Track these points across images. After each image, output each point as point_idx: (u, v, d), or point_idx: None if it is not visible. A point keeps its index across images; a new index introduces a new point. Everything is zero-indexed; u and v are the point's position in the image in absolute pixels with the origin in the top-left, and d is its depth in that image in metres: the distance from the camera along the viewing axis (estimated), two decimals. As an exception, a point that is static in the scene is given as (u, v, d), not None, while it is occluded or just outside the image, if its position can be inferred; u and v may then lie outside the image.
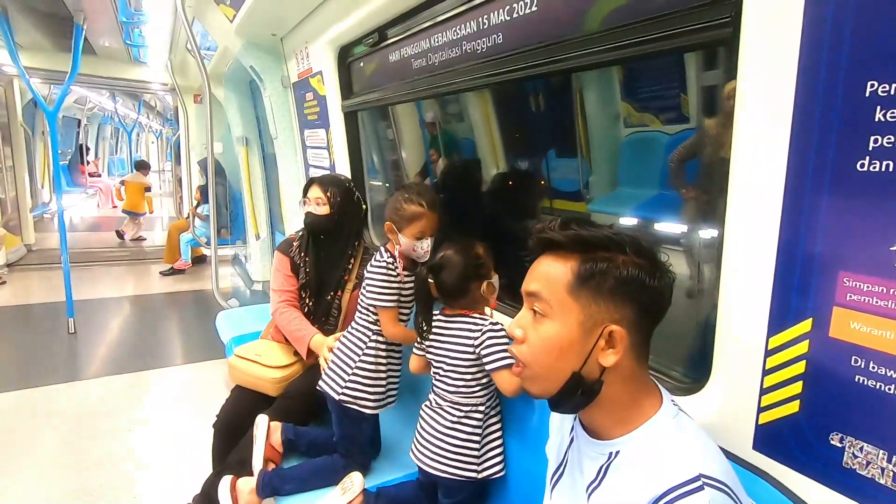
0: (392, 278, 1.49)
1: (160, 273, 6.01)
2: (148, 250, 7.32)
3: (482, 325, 1.31)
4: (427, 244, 1.47)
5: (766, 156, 0.74)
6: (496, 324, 1.31)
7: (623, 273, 0.70)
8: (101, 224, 10.02)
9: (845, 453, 0.72)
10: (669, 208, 1.55)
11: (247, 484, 1.50)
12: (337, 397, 1.53)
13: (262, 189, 4.68)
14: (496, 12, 1.35)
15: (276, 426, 1.61)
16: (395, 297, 1.50)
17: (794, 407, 0.77)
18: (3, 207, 5.92)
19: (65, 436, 2.60)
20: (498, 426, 1.37)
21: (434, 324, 1.38)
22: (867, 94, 0.63)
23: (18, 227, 6.44)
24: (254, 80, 3.22)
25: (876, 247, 0.65)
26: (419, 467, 1.36)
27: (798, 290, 0.74)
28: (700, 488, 0.61)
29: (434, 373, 1.39)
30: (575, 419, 0.84)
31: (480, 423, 1.33)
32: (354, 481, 1.38)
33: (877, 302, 0.66)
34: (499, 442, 1.35)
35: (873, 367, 0.67)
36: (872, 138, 0.63)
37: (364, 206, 1.97)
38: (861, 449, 0.70)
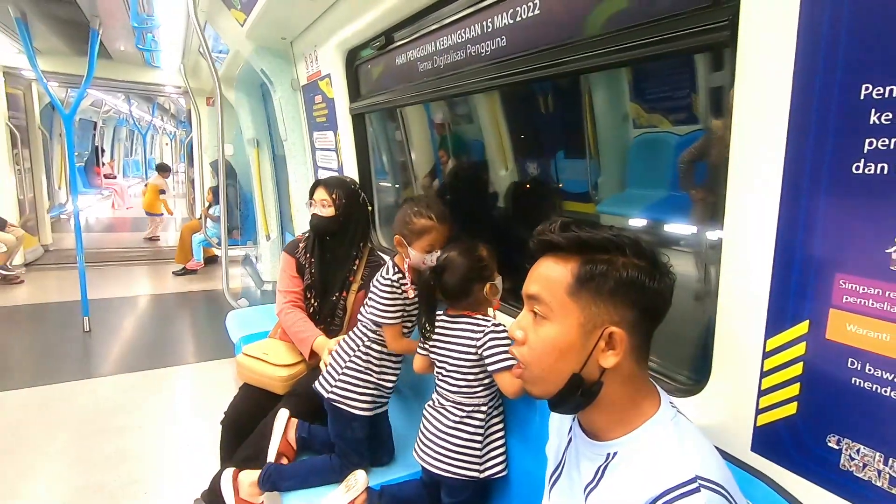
0: (397, 295, 1.49)
1: (173, 273, 6.10)
2: (161, 251, 7.42)
3: (485, 326, 1.32)
4: (437, 257, 1.45)
5: (764, 158, 0.75)
6: (498, 325, 1.32)
7: (623, 275, 0.70)
8: (116, 225, 10.20)
9: (842, 455, 0.72)
10: (679, 209, 1.54)
11: (248, 476, 1.53)
12: (326, 395, 1.55)
13: (272, 190, 4.74)
14: (500, 16, 1.37)
15: (294, 422, 1.64)
16: (399, 314, 1.50)
17: (791, 409, 0.77)
18: (22, 208, 6.04)
19: (78, 432, 2.66)
20: (500, 426, 1.37)
21: (437, 324, 1.39)
22: (862, 97, 0.63)
23: (36, 228, 6.58)
24: (265, 82, 3.27)
25: (871, 249, 0.65)
26: (422, 466, 1.37)
27: (795, 292, 0.74)
28: (696, 490, 0.61)
29: (437, 372, 1.40)
30: (574, 420, 0.84)
31: (483, 423, 1.34)
32: (358, 479, 1.40)
33: (872, 304, 0.66)
34: (501, 442, 1.36)
35: (869, 370, 0.67)
36: (867, 141, 0.63)
37: (370, 208, 1.99)
38: (858, 451, 0.70)
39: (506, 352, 1.26)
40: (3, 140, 5.58)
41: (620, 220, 1.81)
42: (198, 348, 3.95)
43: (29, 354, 3.69)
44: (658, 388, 0.77)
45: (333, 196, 1.84)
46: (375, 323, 1.52)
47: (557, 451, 0.89)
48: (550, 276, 0.74)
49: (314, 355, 1.82)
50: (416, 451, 1.39)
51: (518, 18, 1.30)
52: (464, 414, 1.33)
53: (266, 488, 1.50)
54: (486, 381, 1.34)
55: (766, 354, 0.79)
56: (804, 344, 0.74)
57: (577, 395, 0.72)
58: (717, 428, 0.88)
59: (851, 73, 0.64)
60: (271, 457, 1.56)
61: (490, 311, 1.39)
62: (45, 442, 2.55)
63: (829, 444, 0.73)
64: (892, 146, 0.61)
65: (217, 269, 6.06)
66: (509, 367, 1.24)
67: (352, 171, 2.57)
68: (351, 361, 1.56)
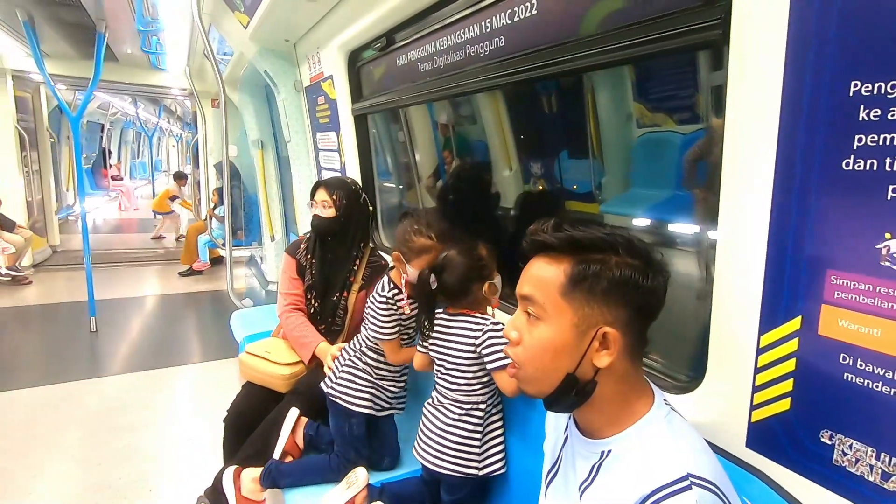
0: (393, 311, 1.52)
1: (179, 274, 6.15)
2: (168, 251, 7.48)
3: (484, 324, 1.32)
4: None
5: (756, 156, 0.75)
6: (497, 323, 1.32)
7: (616, 274, 0.70)
8: (123, 226, 10.29)
9: (835, 451, 0.72)
10: (682, 209, 1.55)
11: (250, 474, 1.55)
12: (326, 390, 1.60)
13: (276, 191, 4.77)
14: (498, 16, 1.37)
15: (303, 421, 1.67)
16: (395, 330, 1.54)
17: (785, 405, 0.77)
18: (30, 210, 6.11)
19: (86, 431, 2.69)
20: (499, 424, 1.38)
21: (437, 322, 1.40)
22: (851, 94, 0.63)
23: (44, 229, 6.65)
24: (268, 84, 3.29)
25: (862, 245, 0.65)
26: (422, 464, 1.38)
27: (788, 288, 0.74)
28: (688, 487, 0.61)
29: (436, 370, 1.41)
30: (569, 418, 0.85)
31: (481, 421, 1.34)
32: (359, 476, 1.41)
33: (863, 300, 0.66)
34: (500, 440, 1.37)
35: (861, 365, 0.68)
36: (857, 137, 0.64)
37: (371, 208, 2.00)
38: (850, 446, 0.70)
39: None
40: (11, 142, 5.65)
41: (625, 220, 1.81)
42: (203, 348, 3.98)
43: (37, 354, 3.74)
44: (652, 385, 0.77)
45: (334, 197, 1.85)
46: (373, 339, 1.57)
47: (554, 448, 0.89)
48: (543, 276, 0.74)
49: (314, 359, 1.84)
50: (415, 449, 1.40)
51: (516, 19, 1.30)
52: (462, 412, 1.34)
53: (267, 485, 1.52)
54: (485, 379, 1.34)
55: (760, 351, 0.79)
56: (797, 340, 0.74)
57: (571, 394, 0.72)
58: (713, 424, 0.88)
59: (840, 70, 0.64)
60: (277, 454, 1.58)
61: (489, 309, 1.39)
62: (54, 440, 2.59)
63: (823, 440, 0.73)
64: (880, 142, 0.62)
65: (222, 269, 6.10)
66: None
67: (354, 172, 2.59)
68: (350, 360, 1.61)
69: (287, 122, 3.23)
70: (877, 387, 0.66)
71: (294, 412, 1.65)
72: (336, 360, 1.66)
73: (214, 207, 6.07)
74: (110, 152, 14.67)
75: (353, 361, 1.61)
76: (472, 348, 1.32)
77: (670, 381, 1.08)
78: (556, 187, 2.17)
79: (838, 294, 0.69)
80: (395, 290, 1.51)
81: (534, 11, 1.24)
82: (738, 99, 0.77)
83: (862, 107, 0.63)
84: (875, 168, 0.63)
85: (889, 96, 0.60)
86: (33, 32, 3.75)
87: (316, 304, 1.92)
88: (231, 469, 1.57)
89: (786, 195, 0.72)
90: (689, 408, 0.91)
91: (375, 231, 2.68)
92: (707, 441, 0.73)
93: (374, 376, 1.59)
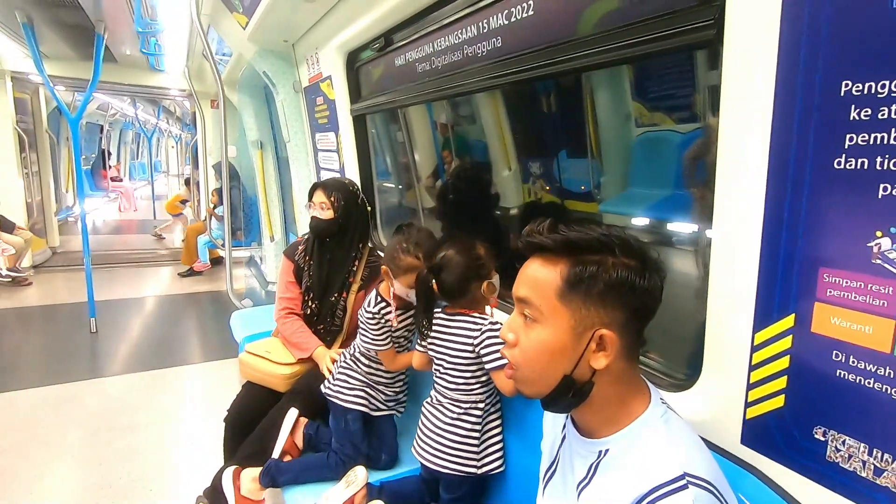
0: (382, 325, 1.55)
1: (178, 274, 6.15)
2: (168, 252, 7.49)
3: (482, 324, 1.33)
4: None
5: (749, 155, 0.76)
6: (495, 323, 1.33)
7: (613, 276, 0.70)
8: (123, 227, 10.29)
9: (828, 447, 0.73)
10: (681, 208, 1.55)
11: (250, 473, 1.56)
12: (324, 390, 1.65)
13: (276, 192, 4.77)
14: (495, 16, 1.38)
15: (303, 422, 1.68)
16: (388, 340, 1.57)
17: (779, 402, 0.78)
18: (30, 211, 6.11)
19: (86, 431, 2.69)
20: (497, 423, 1.39)
21: (435, 322, 1.41)
22: (842, 94, 0.64)
23: (44, 230, 6.66)
24: (268, 85, 3.30)
25: (853, 243, 0.66)
26: (421, 463, 1.39)
27: (781, 286, 0.75)
28: (684, 487, 0.62)
29: (435, 370, 1.42)
30: (567, 417, 0.85)
31: (480, 420, 1.35)
32: (358, 475, 1.42)
33: (855, 297, 0.67)
34: (498, 438, 1.37)
35: (853, 362, 0.68)
36: (848, 136, 0.64)
37: (369, 209, 2.01)
38: (843, 442, 0.71)
39: None
40: (11, 144, 5.65)
41: (623, 219, 1.82)
42: (203, 348, 3.99)
43: (37, 355, 3.74)
44: (649, 384, 0.77)
45: (332, 199, 1.86)
46: (368, 350, 1.61)
47: (552, 448, 0.90)
48: (539, 278, 0.73)
49: (310, 360, 1.86)
50: (414, 448, 1.41)
51: (513, 19, 1.31)
52: (461, 411, 1.35)
53: (266, 483, 1.53)
54: (483, 378, 1.35)
55: (755, 348, 0.80)
56: (791, 337, 0.75)
57: (568, 395, 0.73)
58: (708, 421, 0.89)
59: (832, 69, 0.65)
60: (276, 454, 1.59)
61: (487, 309, 1.40)
62: (54, 440, 2.59)
63: (816, 436, 0.74)
64: (871, 141, 0.62)
65: (222, 270, 6.11)
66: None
67: (353, 172, 2.59)
68: (346, 363, 1.67)
69: (286, 123, 3.23)
70: (869, 383, 0.67)
71: (293, 412, 1.66)
72: (335, 363, 1.70)
73: (214, 208, 6.07)
74: (109, 153, 14.65)
75: (348, 364, 1.66)
76: (470, 348, 1.33)
77: (667, 379, 1.09)
78: (556, 187, 2.17)
79: (831, 292, 0.69)
80: (383, 304, 1.54)
81: (530, 12, 1.24)
82: (731, 98, 0.78)
83: (853, 106, 0.63)
84: (866, 167, 0.63)
85: (879, 96, 0.61)
86: (32, 34, 3.76)
87: (313, 306, 1.93)
88: (230, 469, 1.58)
89: (779, 194, 0.73)
90: (685, 405, 0.91)
91: (375, 231, 2.68)
92: (703, 438, 0.73)
93: (368, 379, 1.63)
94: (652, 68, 1.69)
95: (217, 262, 6.34)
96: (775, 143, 0.72)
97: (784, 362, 0.76)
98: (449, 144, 2.73)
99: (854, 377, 0.68)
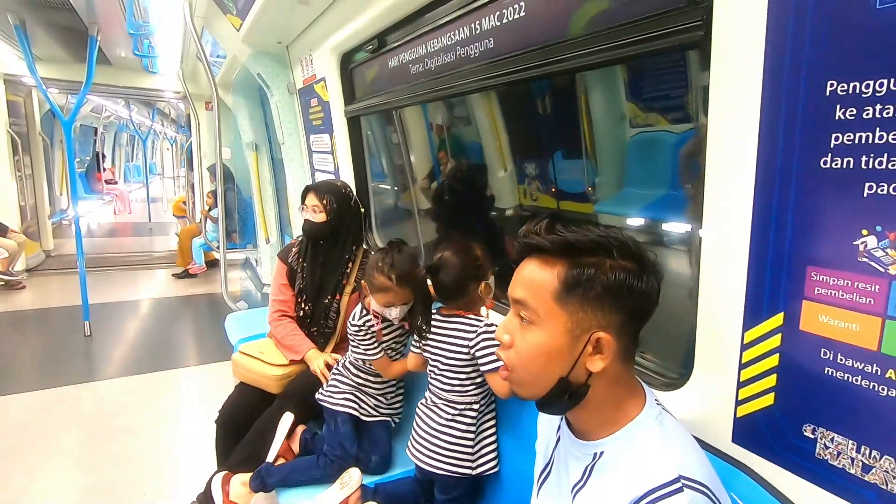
0: (370, 336, 1.57)
1: (172, 275, 6.13)
2: (163, 255, 7.45)
3: (477, 326, 1.33)
4: (396, 311, 1.50)
5: (738, 154, 0.76)
6: (491, 325, 1.33)
7: (611, 279, 0.69)
8: (118, 230, 10.24)
9: (817, 444, 0.73)
10: (676, 208, 1.56)
11: (240, 478, 1.55)
12: (318, 396, 1.69)
13: (271, 194, 4.76)
14: (487, 18, 1.38)
15: (300, 428, 1.70)
16: (378, 349, 1.58)
17: (769, 399, 0.78)
18: (23, 214, 6.08)
19: (80, 435, 2.68)
20: (492, 423, 1.39)
21: (431, 323, 1.41)
22: (828, 94, 0.65)
23: (38, 234, 6.62)
24: (262, 86, 3.29)
25: (840, 241, 0.66)
26: (416, 464, 1.39)
27: (770, 285, 0.75)
28: (679, 490, 0.61)
29: (430, 371, 1.42)
30: (561, 419, 0.84)
31: (475, 421, 1.35)
32: (353, 476, 1.41)
33: (842, 295, 0.67)
34: (493, 439, 1.38)
35: (841, 359, 0.69)
36: (834, 136, 0.65)
37: (362, 211, 2.01)
38: (832, 440, 0.71)
39: None
40: (4, 147, 5.62)
41: (619, 220, 1.82)
42: (198, 351, 3.97)
43: (32, 358, 3.73)
44: (644, 386, 0.77)
45: (324, 202, 1.86)
46: (358, 360, 1.64)
47: (546, 449, 0.89)
48: (536, 280, 0.72)
49: (302, 361, 1.86)
50: (409, 449, 1.41)
51: (505, 20, 1.31)
52: (456, 412, 1.35)
53: (255, 487, 1.51)
54: (479, 379, 1.35)
55: (745, 347, 0.80)
56: (780, 335, 0.75)
57: (564, 398, 0.72)
58: (700, 420, 0.89)
59: (817, 70, 0.65)
60: (270, 458, 1.58)
61: (483, 310, 1.40)
62: (49, 444, 2.58)
63: (805, 434, 0.74)
64: (856, 141, 0.63)
65: (218, 272, 6.09)
66: None
67: (347, 174, 2.59)
68: (338, 370, 1.70)
69: (280, 125, 3.23)
70: (856, 381, 0.67)
71: (289, 416, 1.65)
72: (330, 370, 1.73)
73: (209, 210, 6.06)
74: (104, 156, 14.59)
75: (339, 371, 1.70)
76: (465, 350, 1.33)
77: (660, 379, 1.09)
78: (551, 187, 2.18)
79: (818, 290, 0.70)
80: (367, 317, 1.56)
81: (522, 13, 1.25)
82: (720, 99, 0.79)
83: (838, 106, 0.64)
84: (851, 166, 0.64)
85: (864, 95, 0.61)
86: (25, 36, 3.74)
87: (306, 308, 1.93)
88: (220, 475, 1.58)
89: (767, 193, 0.73)
90: (677, 404, 0.92)
91: (369, 232, 2.68)
92: (695, 437, 0.73)
93: (357, 386, 1.66)
94: (646, 69, 1.69)
95: (213, 264, 6.32)
96: (763, 142, 0.73)
97: (773, 360, 0.77)
98: (445, 146, 2.73)
99: (842, 374, 0.69)
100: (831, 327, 0.69)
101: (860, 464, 0.69)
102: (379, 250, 1.55)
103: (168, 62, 5.49)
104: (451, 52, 1.59)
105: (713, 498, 0.63)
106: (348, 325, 1.61)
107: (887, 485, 0.66)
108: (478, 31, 1.44)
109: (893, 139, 0.60)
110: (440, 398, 1.38)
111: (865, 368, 0.66)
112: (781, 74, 0.69)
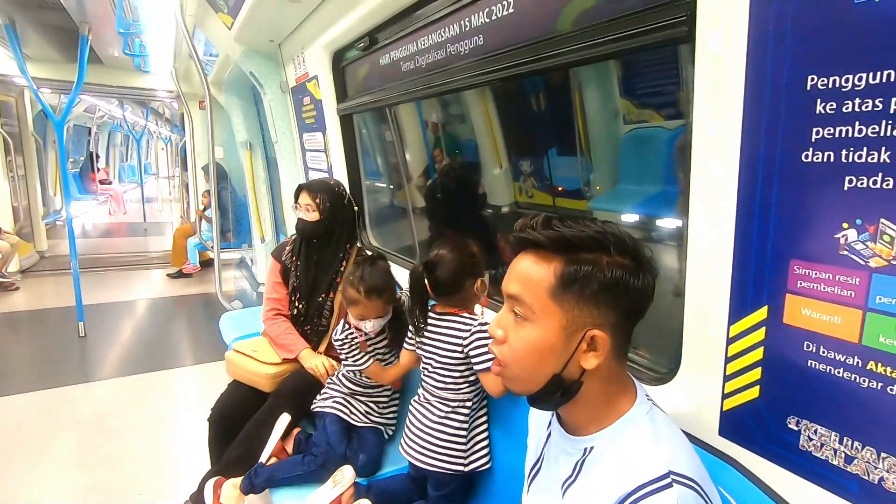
0: (355, 346, 1.59)
1: (167, 275, 6.11)
2: (158, 256, 7.43)
3: (471, 325, 1.33)
4: (370, 325, 1.53)
5: (722, 148, 0.77)
6: (485, 324, 1.33)
7: (607, 276, 0.68)
8: (113, 230, 10.20)
9: (801, 436, 0.74)
10: (670, 204, 1.56)
11: (232, 482, 1.55)
12: (312, 407, 1.72)
13: (266, 192, 4.75)
14: (477, 14, 1.38)
15: (296, 430, 1.69)
16: (367, 357, 1.59)
17: (754, 393, 0.79)
18: (16, 215, 6.05)
19: (75, 435, 2.67)
20: (484, 420, 1.40)
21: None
22: (808, 88, 0.65)
23: (31, 235, 6.58)
24: (255, 85, 3.28)
25: (821, 235, 0.67)
26: (409, 461, 1.39)
27: (754, 278, 0.76)
28: (669, 486, 0.61)
29: (423, 368, 1.42)
30: (552, 415, 0.84)
31: (467, 418, 1.36)
32: (345, 474, 1.41)
33: (824, 288, 0.68)
34: (485, 436, 1.38)
35: (823, 352, 0.69)
36: (814, 130, 0.65)
37: (356, 209, 2.01)
38: (815, 431, 0.72)
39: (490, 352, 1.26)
40: (-4, 147, 5.59)
41: (613, 216, 1.83)
42: (193, 351, 3.96)
43: (26, 360, 3.71)
44: (635, 381, 0.77)
45: (317, 200, 1.85)
46: (350, 372, 1.66)
47: (537, 444, 0.89)
48: (532, 276, 0.71)
49: (295, 360, 1.87)
50: (402, 447, 1.41)
51: (493, 17, 1.31)
52: (449, 409, 1.35)
53: (245, 489, 1.51)
54: (472, 378, 1.36)
55: (730, 340, 0.81)
56: (764, 329, 0.76)
57: (557, 395, 0.72)
58: (688, 413, 0.90)
59: (798, 64, 0.66)
60: (264, 458, 1.57)
61: (477, 308, 1.40)
62: (44, 445, 2.57)
63: (790, 426, 0.75)
64: (836, 135, 0.63)
65: (213, 272, 6.08)
66: None
67: (340, 172, 2.59)
68: (331, 380, 1.75)
69: (273, 124, 3.22)
70: (838, 373, 0.68)
71: (286, 418, 1.65)
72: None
73: (204, 209, 6.04)
74: (98, 156, 14.51)
75: (332, 381, 1.73)
76: (459, 348, 1.33)
77: (648, 373, 1.10)
78: (546, 184, 2.19)
79: (801, 283, 0.70)
80: (350, 331, 1.57)
81: (510, 10, 1.25)
82: (704, 94, 0.79)
83: (819, 100, 0.64)
84: (832, 160, 0.64)
85: (843, 90, 0.62)
86: (15, 35, 3.71)
87: (300, 306, 1.93)
88: (213, 480, 1.58)
89: (750, 187, 0.74)
90: (665, 398, 0.92)
91: (363, 231, 2.68)
92: (682, 430, 0.74)
93: (349, 394, 1.68)
94: (639, 65, 1.70)
95: (207, 264, 6.31)
96: (747, 137, 0.73)
97: (758, 354, 0.77)
98: (440, 143, 2.73)
99: (824, 367, 0.70)
100: (814, 320, 0.70)
101: (843, 455, 0.69)
102: (354, 263, 1.59)
103: (160, 61, 5.46)
104: (441, 50, 1.59)
105: (702, 493, 0.63)
106: (333, 339, 1.64)
107: (868, 475, 0.67)
108: (467, 28, 1.44)
109: (872, 133, 0.60)
110: (433, 395, 1.38)
111: (847, 361, 0.67)
112: (764, 69, 0.69)
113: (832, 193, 0.65)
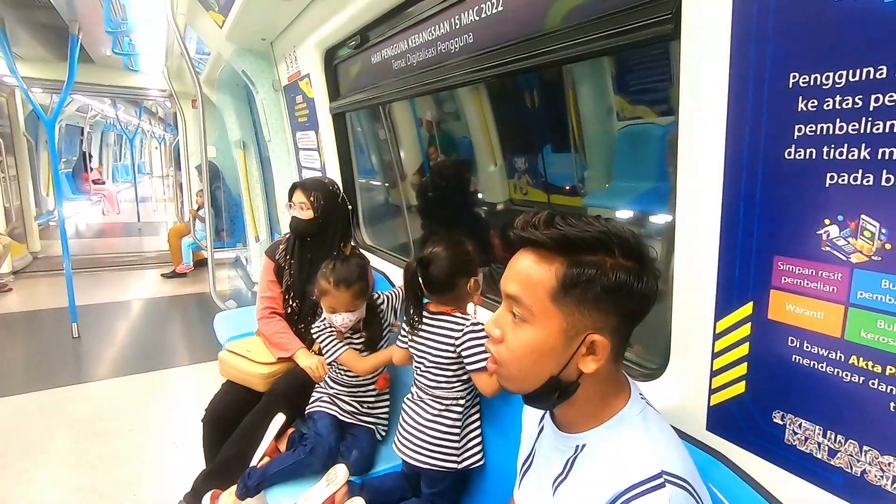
0: (329, 332, 1.61)
1: (161, 275, 6.09)
2: (151, 256, 7.40)
3: (464, 324, 1.33)
4: (341, 318, 1.54)
5: (707, 145, 0.77)
6: (477, 324, 1.33)
7: (611, 280, 0.65)
8: (107, 230, 10.14)
9: (786, 430, 0.75)
10: (664, 200, 1.57)
11: (228, 492, 1.55)
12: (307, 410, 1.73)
13: (260, 191, 4.73)
14: (467, 12, 1.39)
15: (290, 430, 1.70)
16: (342, 344, 1.61)
17: (740, 388, 0.80)
18: (8, 216, 6.00)
19: (70, 437, 2.66)
20: (477, 417, 1.40)
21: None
22: (790, 86, 0.66)
23: (24, 235, 6.54)
24: (247, 84, 3.27)
25: (804, 231, 0.68)
26: (402, 459, 1.39)
27: (739, 274, 0.77)
28: (661, 485, 0.61)
29: (416, 367, 1.42)
30: (545, 411, 0.84)
31: (461, 416, 1.36)
32: (339, 473, 1.42)
33: (807, 284, 0.69)
34: (478, 433, 1.39)
35: (807, 347, 0.70)
36: (797, 127, 0.66)
37: (349, 207, 2.01)
38: (800, 425, 0.73)
39: (483, 351, 1.26)
40: (-14, 148, 5.55)
41: (608, 213, 1.83)
42: (188, 351, 3.95)
43: (19, 361, 3.68)
44: (630, 380, 0.76)
45: (311, 199, 1.85)
46: (330, 365, 1.70)
47: (529, 439, 0.89)
48: (532, 277, 0.68)
49: (289, 360, 1.87)
50: (395, 444, 1.42)
51: (483, 15, 1.32)
52: (442, 407, 1.36)
53: (241, 494, 1.51)
54: (465, 376, 1.36)
55: (717, 336, 0.82)
56: (749, 325, 0.77)
57: (553, 395, 0.70)
58: (676, 409, 0.91)
59: (780, 62, 0.66)
60: (255, 460, 1.57)
61: (470, 307, 1.40)
62: (38, 446, 2.56)
63: (775, 420, 0.76)
64: (818, 132, 0.64)
65: (207, 271, 6.06)
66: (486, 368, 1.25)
67: (334, 171, 2.58)
68: (319, 384, 1.77)
69: (266, 122, 3.21)
70: (821, 367, 0.69)
71: (280, 418, 1.64)
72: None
73: (198, 209, 6.01)
74: (91, 156, 14.41)
75: (320, 385, 1.76)
76: (452, 348, 1.33)
77: (639, 369, 1.10)
78: (541, 182, 2.19)
79: (785, 279, 0.71)
80: (325, 320, 1.61)
81: (500, 8, 1.25)
82: (689, 91, 0.80)
83: (800, 98, 0.65)
84: (814, 157, 0.65)
85: (824, 87, 0.62)
86: (4, 35, 3.68)
87: (294, 305, 1.93)
88: (209, 493, 1.57)
89: (735, 184, 0.75)
90: (654, 395, 0.93)
91: (357, 229, 2.68)
92: (671, 426, 0.74)
93: (334, 394, 1.70)
94: (632, 62, 1.71)
95: (202, 263, 6.28)
96: (731, 134, 0.74)
97: (744, 349, 0.78)
98: (434, 141, 2.73)
99: (808, 361, 0.70)
100: (797, 315, 0.70)
101: (826, 448, 0.70)
102: (329, 258, 1.62)
103: (151, 60, 5.42)
104: (432, 47, 1.59)
105: (694, 493, 0.63)
106: (311, 329, 1.66)
107: (852, 468, 0.67)
108: (457, 26, 1.44)
109: (853, 130, 0.61)
110: (426, 394, 1.38)
111: (830, 355, 0.68)
112: (747, 66, 0.70)
113: (814, 190, 0.65)
